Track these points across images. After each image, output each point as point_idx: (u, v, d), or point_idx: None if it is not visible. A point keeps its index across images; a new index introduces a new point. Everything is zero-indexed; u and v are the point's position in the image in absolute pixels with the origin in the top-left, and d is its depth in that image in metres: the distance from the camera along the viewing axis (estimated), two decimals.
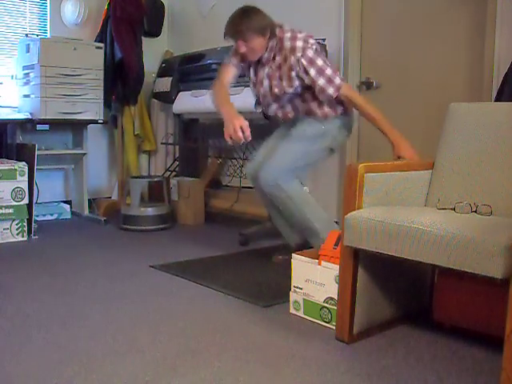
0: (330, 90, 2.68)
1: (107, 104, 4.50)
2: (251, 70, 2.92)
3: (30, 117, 4.05)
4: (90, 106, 4.19)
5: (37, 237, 3.73)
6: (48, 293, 2.56)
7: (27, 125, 4.19)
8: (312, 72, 2.67)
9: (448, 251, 1.68)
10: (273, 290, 2.61)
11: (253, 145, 4.10)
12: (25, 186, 3.68)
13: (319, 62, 2.68)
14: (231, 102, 2.76)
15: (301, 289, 2.28)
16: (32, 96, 4.07)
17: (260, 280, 2.78)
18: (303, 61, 2.67)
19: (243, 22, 2.72)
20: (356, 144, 3.76)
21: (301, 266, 2.28)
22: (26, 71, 4.11)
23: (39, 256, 3.27)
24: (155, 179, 4.39)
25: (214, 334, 2.08)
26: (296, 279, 2.30)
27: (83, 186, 4.44)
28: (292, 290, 2.32)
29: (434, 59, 3.36)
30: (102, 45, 4.31)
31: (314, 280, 2.22)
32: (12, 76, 4.33)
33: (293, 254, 2.33)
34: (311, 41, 2.70)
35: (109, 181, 5.03)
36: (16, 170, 3.65)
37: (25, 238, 3.69)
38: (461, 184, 2.16)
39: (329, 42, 3.65)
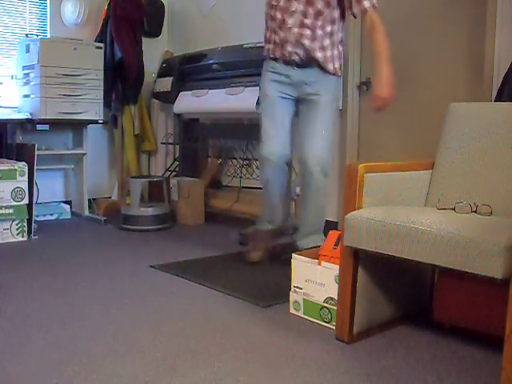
0: (366, 3, 2.73)
1: (107, 104, 4.50)
2: None
3: (29, 117, 4.05)
4: (89, 105, 4.19)
5: (37, 237, 3.73)
6: (48, 293, 2.56)
7: (27, 125, 4.19)
8: None
9: (448, 251, 1.68)
10: (273, 290, 2.61)
11: (253, 145, 4.11)
12: (25, 186, 3.68)
13: None
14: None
15: (301, 289, 2.28)
16: (32, 96, 4.07)
17: (260, 280, 2.78)
18: None
19: None
20: (356, 144, 3.76)
21: (301, 266, 2.28)
22: (26, 71, 4.11)
23: (39, 256, 3.27)
24: (155, 179, 4.39)
25: (213, 334, 2.08)
26: (296, 279, 2.30)
27: (83, 185, 4.44)
28: (292, 289, 2.32)
29: (434, 59, 3.36)
30: (101, 45, 4.31)
31: (314, 280, 2.22)
32: (12, 76, 4.33)
33: (293, 254, 2.33)
34: None
35: (109, 181, 5.02)
36: (16, 170, 3.65)
37: (25, 238, 3.69)
38: (461, 184, 2.16)
39: None
